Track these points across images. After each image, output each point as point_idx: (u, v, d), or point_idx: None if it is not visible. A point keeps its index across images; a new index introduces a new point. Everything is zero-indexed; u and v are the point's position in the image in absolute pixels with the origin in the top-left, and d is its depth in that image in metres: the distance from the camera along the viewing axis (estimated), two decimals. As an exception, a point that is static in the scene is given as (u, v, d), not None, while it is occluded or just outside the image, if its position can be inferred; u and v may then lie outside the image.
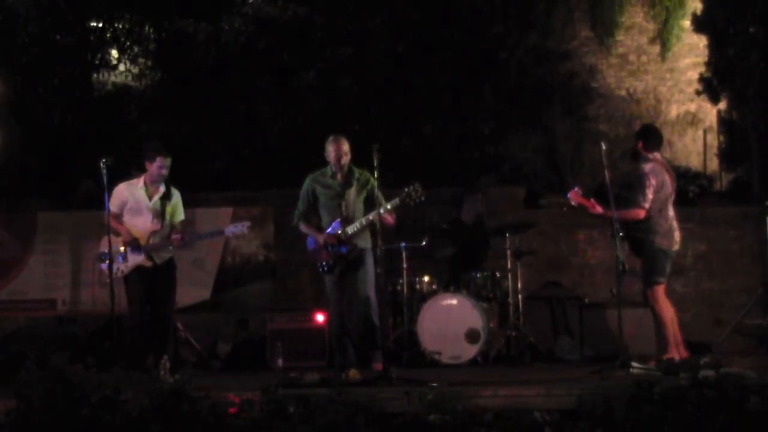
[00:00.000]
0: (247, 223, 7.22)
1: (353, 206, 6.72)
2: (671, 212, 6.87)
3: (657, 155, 6.95)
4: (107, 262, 6.80)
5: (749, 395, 4.46)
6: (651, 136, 7.01)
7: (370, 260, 6.75)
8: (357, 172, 6.82)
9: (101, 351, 7.76)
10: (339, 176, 6.75)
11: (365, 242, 6.80)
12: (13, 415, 4.61)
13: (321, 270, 6.84)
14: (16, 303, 9.07)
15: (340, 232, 6.70)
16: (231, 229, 7.20)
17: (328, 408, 4.49)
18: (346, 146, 6.72)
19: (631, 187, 6.95)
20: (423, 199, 6.50)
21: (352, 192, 6.74)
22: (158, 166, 6.98)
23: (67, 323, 8.97)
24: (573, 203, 6.86)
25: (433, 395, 4.69)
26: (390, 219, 6.67)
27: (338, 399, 4.59)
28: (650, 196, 6.74)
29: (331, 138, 6.79)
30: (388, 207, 6.55)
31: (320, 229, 6.85)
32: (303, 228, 6.95)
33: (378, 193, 6.58)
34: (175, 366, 6.67)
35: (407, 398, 4.73)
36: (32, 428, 4.53)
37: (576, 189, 6.88)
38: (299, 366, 7.45)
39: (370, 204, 6.69)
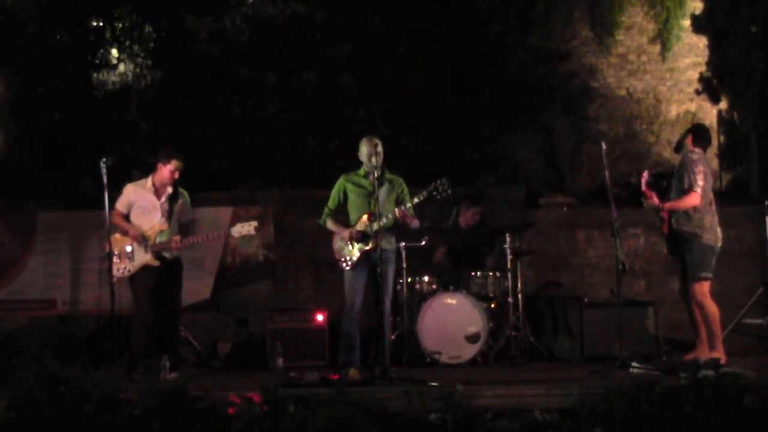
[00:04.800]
0: (254, 223, 7.20)
1: (383, 205, 6.71)
2: (714, 208, 6.90)
3: (702, 153, 6.99)
4: (114, 260, 6.82)
5: (748, 395, 4.46)
6: (702, 134, 7.06)
7: (392, 268, 6.76)
8: (389, 174, 6.87)
9: (101, 351, 7.75)
10: (371, 176, 6.77)
11: (389, 244, 6.80)
12: (8, 416, 4.59)
13: (345, 266, 6.78)
14: (16, 303, 9.07)
15: (367, 227, 6.70)
16: (237, 230, 7.18)
17: (328, 408, 4.49)
18: (379, 146, 6.75)
19: (679, 178, 6.91)
20: (450, 192, 6.56)
21: (383, 191, 6.74)
22: (171, 169, 7.00)
23: (67, 323, 8.98)
24: (642, 187, 6.90)
25: (433, 395, 4.69)
26: (415, 222, 6.70)
27: (338, 399, 4.58)
28: (701, 182, 6.73)
29: (364, 138, 6.84)
30: (416, 200, 6.63)
31: (347, 227, 6.85)
32: (329, 225, 6.94)
33: (407, 197, 6.72)
34: (175, 366, 6.68)
35: (407, 398, 4.73)
36: (28, 428, 4.52)
37: (646, 173, 6.96)
38: (299, 366, 7.46)
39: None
